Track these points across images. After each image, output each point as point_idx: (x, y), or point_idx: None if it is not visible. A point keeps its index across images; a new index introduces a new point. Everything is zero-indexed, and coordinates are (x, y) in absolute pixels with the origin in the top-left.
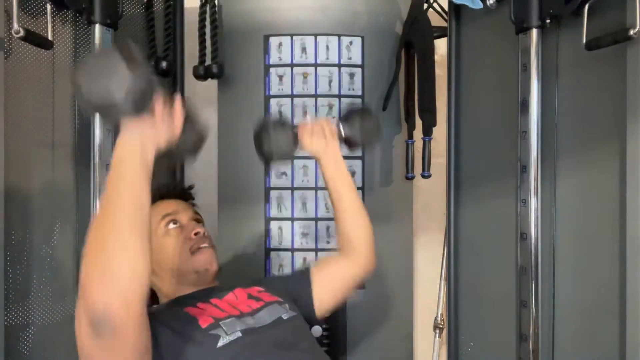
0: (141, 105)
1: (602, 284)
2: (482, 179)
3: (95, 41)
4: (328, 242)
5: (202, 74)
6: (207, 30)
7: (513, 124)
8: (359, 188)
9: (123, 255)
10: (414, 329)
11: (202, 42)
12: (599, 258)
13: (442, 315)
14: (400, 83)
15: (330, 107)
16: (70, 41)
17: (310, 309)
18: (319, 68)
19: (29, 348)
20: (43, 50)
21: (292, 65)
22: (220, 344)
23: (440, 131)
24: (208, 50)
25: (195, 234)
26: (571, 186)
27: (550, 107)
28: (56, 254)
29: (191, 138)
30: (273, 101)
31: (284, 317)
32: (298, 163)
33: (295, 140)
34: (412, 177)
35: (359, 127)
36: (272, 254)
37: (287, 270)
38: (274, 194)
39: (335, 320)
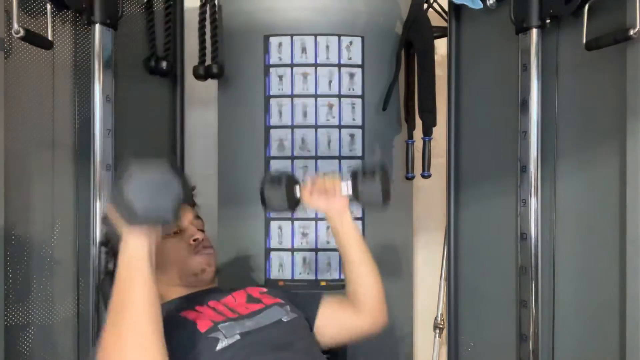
0: (178, 216)
1: (602, 284)
2: (482, 179)
3: (95, 41)
4: (328, 243)
5: (202, 74)
6: (207, 30)
7: (513, 124)
8: None
9: (138, 349)
10: (414, 329)
11: (202, 42)
12: (599, 258)
13: (442, 315)
14: (400, 83)
15: (330, 107)
16: (70, 41)
17: (309, 325)
18: (319, 68)
19: (29, 348)
20: (43, 50)
21: (292, 65)
22: (219, 347)
23: (440, 131)
24: (208, 50)
25: (194, 240)
26: (571, 186)
27: (550, 107)
28: (56, 254)
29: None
30: (273, 101)
31: (284, 319)
32: (298, 163)
33: (297, 198)
34: (412, 177)
35: (365, 187)
36: (272, 254)
37: (287, 270)
38: None
39: None
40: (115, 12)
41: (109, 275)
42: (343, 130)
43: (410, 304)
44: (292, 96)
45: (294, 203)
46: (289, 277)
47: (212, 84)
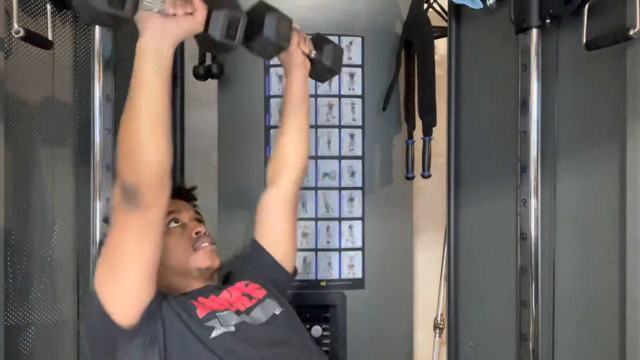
0: (122, 6)
1: (602, 284)
2: (482, 179)
3: (95, 41)
4: (328, 242)
5: (202, 74)
6: None
7: (513, 124)
8: (359, 188)
9: (146, 143)
10: (414, 329)
11: None
12: (599, 258)
13: (442, 315)
14: (400, 83)
15: (330, 107)
16: (70, 41)
17: (284, 274)
18: None
19: (29, 348)
20: (43, 50)
21: None
22: (213, 334)
23: (440, 131)
24: None
25: (196, 233)
26: (571, 186)
27: (550, 107)
28: (56, 254)
29: (219, 24)
30: (273, 101)
31: (277, 312)
32: None
33: (289, 37)
34: (412, 177)
35: (328, 53)
36: None
37: None
38: None
39: (335, 320)
40: None
41: None
42: (343, 130)
43: (410, 304)
44: None
45: (286, 43)
46: None
47: (212, 84)
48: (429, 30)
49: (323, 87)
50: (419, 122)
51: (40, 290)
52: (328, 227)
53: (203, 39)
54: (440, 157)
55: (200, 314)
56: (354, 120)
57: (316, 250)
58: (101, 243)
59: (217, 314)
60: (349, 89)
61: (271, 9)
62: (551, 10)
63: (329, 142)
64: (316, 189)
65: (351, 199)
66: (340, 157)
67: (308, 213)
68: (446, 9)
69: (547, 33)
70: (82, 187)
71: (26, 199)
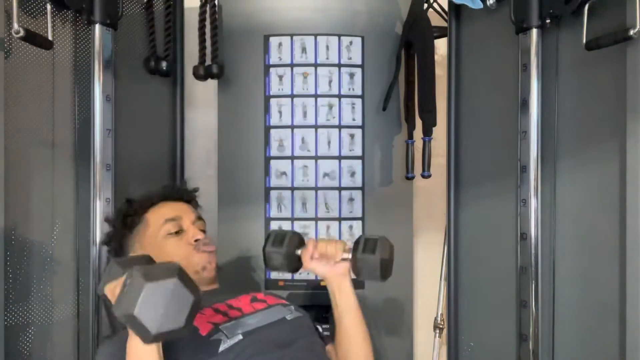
0: (191, 327)
1: (602, 284)
2: (482, 179)
3: (95, 41)
4: None
5: (202, 74)
6: (207, 30)
7: (513, 124)
8: (359, 188)
9: None
10: (414, 329)
11: (202, 42)
12: (599, 258)
13: (442, 315)
14: (400, 83)
15: (330, 107)
16: (70, 41)
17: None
18: (319, 68)
19: (29, 348)
20: (43, 50)
21: (292, 65)
22: (221, 348)
23: (440, 131)
24: (208, 51)
25: (196, 240)
26: (571, 186)
27: (550, 107)
28: (56, 254)
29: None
30: (273, 101)
31: (288, 317)
32: (298, 163)
33: (298, 262)
34: (412, 177)
35: (371, 261)
36: None
37: None
38: (274, 194)
39: None
40: (115, 12)
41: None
42: (343, 130)
43: (410, 304)
44: (292, 96)
45: (294, 266)
46: (289, 278)
47: (212, 84)
48: (429, 30)
49: (323, 87)
50: (419, 122)
51: (40, 290)
52: (328, 227)
53: None
54: (440, 157)
55: (204, 331)
56: (354, 120)
57: None
58: (101, 243)
59: (220, 327)
60: (349, 89)
61: (270, 247)
62: (551, 10)
63: (329, 142)
64: (316, 189)
65: (351, 199)
66: (340, 157)
67: (308, 213)
68: (446, 9)
69: (547, 33)
70: (82, 187)
71: (26, 199)
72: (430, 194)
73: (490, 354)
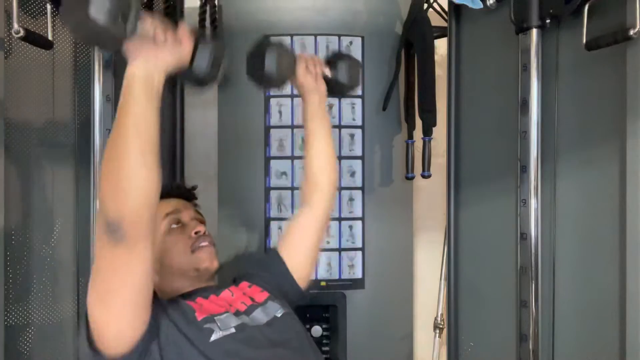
0: (126, 26)
1: (602, 284)
2: (482, 179)
3: None
4: (328, 243)
5: None
6: (207, 30)
7: (513, 124)
8: (359, 188)
9: (133, 172)
10: (414, 329)
11: None
12: (599, 258)
13: (442, 315)
14: (400, 83)
15: (330, 107)
16: (70, 41)
17: (296, 288)
18: None
19: (29, 348)
20: (43, 50)
21: None
22: (213, 337)
23: (440, 131)
24: None
25: (196, 232)
26: (571, 186)
27: (550, 107)
28: (56, 254)
29: (206, 59)
30: (273, 101)
31: (278, 314)
32: (298, 163)
33: (293, 67)
34: (412, 177)
35: (341, 71)
36: None
37: None
38: (274, 194)
39: (335, 320)
40: None
41: None
42: (343, 130)
43: (410, 304)
44: (292, 96)
45: (286, 74)
46: None
47: None
48: (429, 30)
49: None
50: (419, 122)
51: (40, 290)
52: (328, 227)
53: (185, 72)
54: (440, 157)
55: (199, 316)
56: (354, 120)
57: None
58: None
59: (215, 317)
60: None
61: (272, 46)
62: (551, 10)
63: None
64: None
65: (351, 199)
66: (340, 157)
67: None
68: (446, 9)
69: (547, 33)
70: (82, 187)
71: (26, 199)
72: (430, 194)
73: (490, 354)
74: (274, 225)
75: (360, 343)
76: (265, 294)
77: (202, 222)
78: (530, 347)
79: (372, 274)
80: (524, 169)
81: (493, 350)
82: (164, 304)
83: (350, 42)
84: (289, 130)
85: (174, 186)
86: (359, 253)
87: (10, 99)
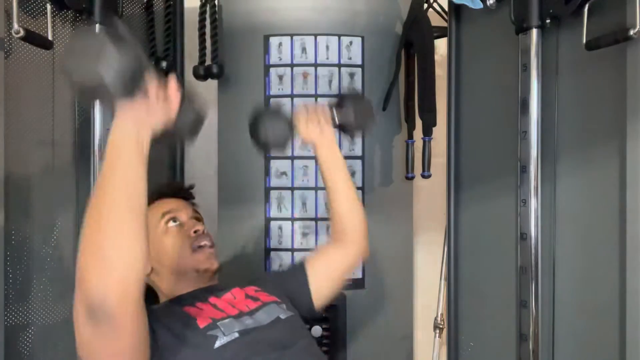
0: (132, 86)
1: (602, 283)
2: (482, 179)
3: None
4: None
5: (202, 74)
6: (207, 30)
7: (513, 124)
8: (358, 188)
9: (119, 242)
10: (414, 329)
11: (202, 42)
12: (599, 258)
13: (442, 315)
14: (400, 83)
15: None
16: None
17: (309, 303)
18: (319, 68)
19: (29, 348)
20: (43, 50)
21: (292, 65)
22: (217, 344)
23: (440, 131)
24: (208, 50)
25: (195, 231)
26: (571, 186)
27: (550, 107)
28: (56, 254)
29: (189, 119)
30: (273, 101)
31: (282, 316)
32: (298, 163)
33: (291, 128)
34: (412, 177)
35: (352, 112)
36: (272, 254)
37: None
38: (274, 194)
39: (335, 320)
40: (115, 12)
41: None
42: None
43: (410, 304)
44: (292, 96)
45: (288, 134)
46: None
47: (212, 84)
48: (429, 30)
49: (323, 88)
50: (419, 122)
51: (40, 290)
52: (328, 227)
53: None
54: (440, 157)
55: (201, 323)
56: None
57: None
58: None
59: (218, 323)
60: None
61: (266, 115)
62: (551, 10)
63: None
64: (316, 189)
65: None
66: None
67: (308, 213)
68: (446, 9)
69: (547, 33)
70: (82, 187)
71: (26, 199)
72: (430, 194)
73: (490, 354)
74: (274, 225)
75: (360, 343)
76: (273, 298)
77: (201, 221)
78: (530, 347)
79: (372, 274)
80: (524, 169)
81: (493, 350)
82: (164, 315)
83: (350, 42)
84: None
85: (171, 186)
86: None
87: (10, 98)
